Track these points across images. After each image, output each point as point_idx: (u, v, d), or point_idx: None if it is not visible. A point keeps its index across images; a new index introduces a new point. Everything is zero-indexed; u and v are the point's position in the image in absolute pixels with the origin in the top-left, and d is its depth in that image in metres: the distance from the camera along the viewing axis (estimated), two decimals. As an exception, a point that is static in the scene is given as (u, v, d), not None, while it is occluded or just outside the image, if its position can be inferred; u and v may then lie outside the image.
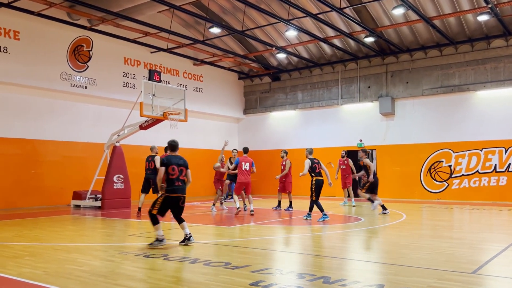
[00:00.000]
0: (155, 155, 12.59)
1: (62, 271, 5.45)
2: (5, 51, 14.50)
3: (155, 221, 7.20)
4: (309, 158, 11.08)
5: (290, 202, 14.09)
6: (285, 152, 14.46)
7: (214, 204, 13.76)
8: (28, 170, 15.28)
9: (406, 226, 10.03)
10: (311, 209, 10.95)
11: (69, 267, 5.68)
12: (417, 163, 18.67)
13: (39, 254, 6.55)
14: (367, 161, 12.41)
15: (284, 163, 14.35)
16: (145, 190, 12.59)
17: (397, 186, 19.04)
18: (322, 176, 11.01)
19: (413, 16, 15.81)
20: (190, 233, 7.31)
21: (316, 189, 10.88)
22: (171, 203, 7.27)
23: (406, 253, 6.63)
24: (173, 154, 7.48)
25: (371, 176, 12.10)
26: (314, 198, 10.87)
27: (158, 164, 11.88)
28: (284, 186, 14.35)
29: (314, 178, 10.91)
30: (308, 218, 10.95)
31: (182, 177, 7.33)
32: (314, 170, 10.92)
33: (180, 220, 7.38)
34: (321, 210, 10.89)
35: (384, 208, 12.07)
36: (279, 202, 14.61)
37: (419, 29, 17.77)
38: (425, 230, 9.89)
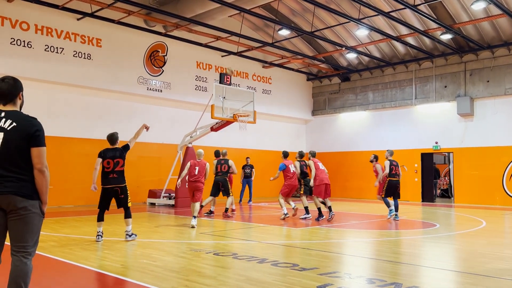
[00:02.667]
0: (228, 159, 12.39)
1: (138, 265, 5.76)
2: (88, 57, 15.57)
3: (98, 218, 7.75)
4: (389, 160, 11.77)
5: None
6: (375, 156, 13.30)
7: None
8: (109, 169, 16.23)
9: (486, 233, 9.41)
10: (388, 205, 11.79)
11: (144, 261, 5.98)
12: (499, 167, 17.44)
13: (117, 249, 6.96)
14: (378, 166, 12.22)
15: (375, 168, 13.19)
16: (215, 193, 12.20)
17: (476, 191, 17.93)
18: (396, 178, 11.62)
19: (495, 10, 14.83)
20: (130, 232, 7.77)
21: (389, 189, 11.57)
22: (108, 195, 7.73)
23: (485, 262, 6.23)
24: (110, 147, 7.81)
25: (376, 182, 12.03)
26: (383, 195, 11.71)
27: (235, 168, 12.16)
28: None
29: (388, 179, 11.60)
30: (391, 215, 11.68)
31: (119, 168, 7.65)
32: (391, 171, 11.58)
33: (126, 215, 7.79)
34: (388, 205, 11.75)
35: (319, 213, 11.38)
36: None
37: (501, 24, 16.62)
38: (507, 238, 9.23)
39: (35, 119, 3.46)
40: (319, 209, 11.37)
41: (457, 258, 6.97)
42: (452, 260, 6.86)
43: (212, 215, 12.49)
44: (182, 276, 5.17)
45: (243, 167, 16.74)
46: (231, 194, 12.17)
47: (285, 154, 12.32)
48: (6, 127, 3.35)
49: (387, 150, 12.09)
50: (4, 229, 3.43)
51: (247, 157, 17.08)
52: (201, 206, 12.07)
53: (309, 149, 23.77)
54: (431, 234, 9.14)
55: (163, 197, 15.71)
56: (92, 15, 14.78)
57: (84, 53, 15.48)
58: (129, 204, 7.82)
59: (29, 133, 3.35)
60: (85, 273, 5.29)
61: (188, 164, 10.65)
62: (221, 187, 12.09)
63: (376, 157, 12.34)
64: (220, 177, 12.12)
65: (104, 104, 16.25)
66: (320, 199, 11.40)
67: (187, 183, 11.03)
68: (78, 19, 15.22)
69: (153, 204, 15.86)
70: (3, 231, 3.42)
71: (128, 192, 7.80)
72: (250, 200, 16.96)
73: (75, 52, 15.24)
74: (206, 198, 12.37)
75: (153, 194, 16.12)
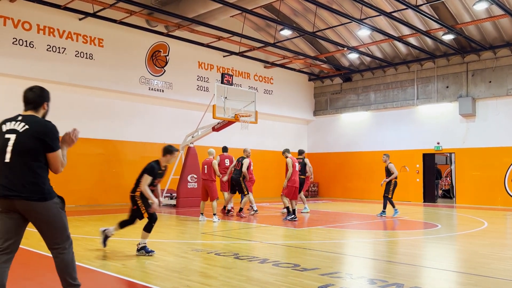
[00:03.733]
0: (245, 158, 12.44)
1: (139, 265, 5.76)
2: (90, 57, 15.58)
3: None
4: (391, 163, 12.54)
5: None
6: (388, 156, 12.88)
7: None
8: (110, 169, 16.28)
9: (488, 234, 9.40)
10: (393, 204, 12.39)
11: (146, 261, 5.99)
12: (501, 167, 17.41)
13: (119, 249, 6.97)
14: (392, 166, 12.53)
15: (388, 167, 12.68)
16: (232, 190, 12.48)
17: (478, 191, 17.90)
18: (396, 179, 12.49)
19: (497, 11, 14.80)
20: (141, 245, 6.54)
21: (394, 189, 12.37)
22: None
23: (487, 263, 6.22)
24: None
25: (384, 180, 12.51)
26: (390, 196, 12.29)
27: (245, 167, 12.15)
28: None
29: (395, 180, 12.35)
30: (397, 214, 12.32)
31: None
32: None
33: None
34: (393, 205, 12.34)
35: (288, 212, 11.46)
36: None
37: (504, 25, 16.59)
38: (508, 239, 9.22)
39: (49, 122, 3.53)
40: (287, 208, 11.39)
41: (459, 259, 6.96)
42: (453, 261, 6.85)
43: (230, 213, 12.56)
44: (184, 276, 5.18)
45: None
46: (245, 193, 12.19)
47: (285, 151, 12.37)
48: (19, 130, 3.44)
49: (385, 155, 12.72)
50: (19, 229, 3.52)
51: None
52: (240, 209, 12.21)
53: (310, 149, 23.79)
54: (433, 235, 9.12)
55: (164, 197, 15.73)
56: (94, 15, 14.79)
57: (86, 53, 15.50)
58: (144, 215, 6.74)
59: (41, 135, 3.42)
60: (86, 273, 5.29)
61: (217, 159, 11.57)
62: (235, 185, 12.33)
63: (388, 156, 12.69)
64: (235, 175, 12.34)
65: (106, 104, 16.26)
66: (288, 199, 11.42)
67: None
68: (80, 19, 15.23)
69: (154, 204, 15.85)
70: (17, 231, 3.51)
71: (139, 201, 6.74)
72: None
73: (77, 52, 15.26)
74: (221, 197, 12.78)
75: (154, 194, 16.11)
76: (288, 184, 11.35)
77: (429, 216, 13.36)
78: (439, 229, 10.07)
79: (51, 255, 3.65)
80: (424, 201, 19.17)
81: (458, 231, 9.92)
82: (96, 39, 15.76)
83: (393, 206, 12.37)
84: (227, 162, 12.93)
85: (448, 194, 21.99)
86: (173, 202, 15.33)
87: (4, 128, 3.49)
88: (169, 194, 15.80)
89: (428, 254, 7.35)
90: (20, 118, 3.52)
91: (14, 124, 3.47)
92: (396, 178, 12.37)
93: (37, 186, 3.41)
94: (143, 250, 6.45)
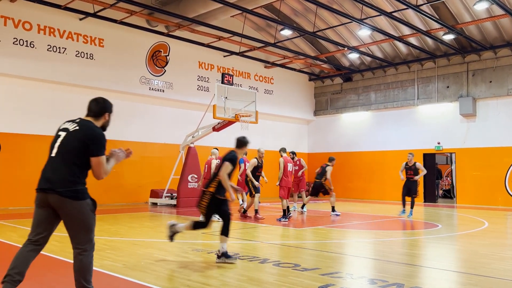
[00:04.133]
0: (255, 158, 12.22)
1: (140, 265, 5.76)
2: (91, 57, 15.58)
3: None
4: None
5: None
6: (412, 154, 12.85)
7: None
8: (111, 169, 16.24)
9: (488, 234, 9.39)
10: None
11: (146, 261, 5.99)
12: (502, 167, 17.40)
13: (119, 248, 6.97)
14: (419, 164, 12.77)
15: (416, 166, 12.68)
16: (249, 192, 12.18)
17: (478, 191, 17.89)
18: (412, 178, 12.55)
19: (498, 10, 14.79)
20: (221, 251, 6.06)
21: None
22: None
23: (487, 263, 6.22)
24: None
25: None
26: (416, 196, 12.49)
27: (249, 167, 11.91)
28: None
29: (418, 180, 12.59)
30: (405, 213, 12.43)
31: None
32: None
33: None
34: (404, 205, 12.47)
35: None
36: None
37: (504, 25, 16.58)
38: (509, 239, 9.21)
39: (99, 129, 3.77)
40: (284, 210, 11.31)
41: (459, 259, 6.95)
42: (454, 261, 6.85)
43: (245, 214, 12.21)
44: (184, 276, 5.18)
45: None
46: (253, 193, 11.75)
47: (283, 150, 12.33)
48: (70, 129, 3.71)
49: (411, 154, 12.84)
50: (50, 225, 3.69)
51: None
52: (256, 211, 11.72)
53: (311, 149, 23.80)
54: (433, 235, 9.12)
55: (165, 197, 15.73)
56: (94, 15, 14.79)
57: (87, 53, 15.50)
58: (200, 217, 6.54)
59: (87, 138, 3.62)
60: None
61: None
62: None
63: (413, 155, 12.84)
64: (247, 177, 11.92)
65: (107, 104, 16.23)
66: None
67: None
68: (80, 19, 15.24)
69: (155, 204, 15.88)
70: (48, 226, 3.68)
71: (205, 200, 6.19)
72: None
73: (77, 52, 15.26)
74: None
75: (155, 194, 16.14)
76: (281, 184, 11.39)
77: (430, 216, 13.35)
78: (439, 229, 10.07)
79: (51, 255, 3.67)
80: (425, 201, 19.16)
81: (459, 231, 9.91)
82: (97, 39, 15.76)
83: (404, 206, 12.54)
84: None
85: (449, 194, 21.98)
86: (174, 202, 15.33)
87: (61, 126, 3.82)
88: (169, 194, 15.80)
89: (428, 254, 7.34)
90: (77, 120, 3.80)
91: (70, 124, 3.77)
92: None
93: (72, 184, 3.59)
94: (224, 257, 5.88)
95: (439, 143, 19.14)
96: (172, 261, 6.03)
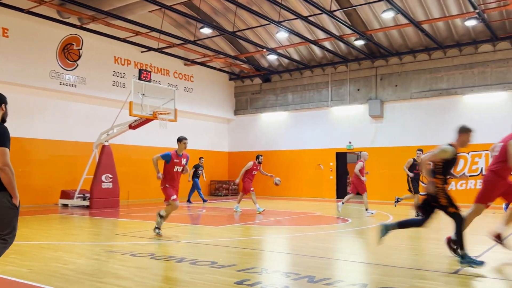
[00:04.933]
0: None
1: (47, 269, 5.44)
2: (-7, 48, 14.38)
3: None
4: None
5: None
6: (421, 150, 13.21)
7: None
8: (16, 168, 15.00)
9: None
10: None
11: (55, 265, 5.67)
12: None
13: (25, 252, 6.52)
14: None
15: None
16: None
17: (386, 187, 19.16)
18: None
19: (403, 20, 15.96)
20: None
21: None
22: None
23: (392, 253, 6.72)
24: None
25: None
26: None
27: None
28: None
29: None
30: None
31: None
32: None
33: None
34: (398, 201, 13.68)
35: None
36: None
37: (408, 33, 17.95)
38: (412, 232, 9.98)
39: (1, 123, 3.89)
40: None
41: (367, 251, 7.42)
42: (362, 253, 7.30)
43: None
44: (96, 278, 4.98)
45: (196, 167, 17.64)
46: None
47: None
48: None
49: (420, 150, 13.17)
50: None
51: (201, 157, 18.16)
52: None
53: (231, 148, 23.96)
54: (344, 229, 9.63)
55: (77, 198, 14.95)
56: (-3, 2, 13.67)
57: (-12, 43, 14.28)
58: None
59: None
60: (-14, 280, 4.90)
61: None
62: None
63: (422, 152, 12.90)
64: None
65: (13, 99, 14.88)
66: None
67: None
68: (-19, 6, 14.01)
69: (66, 205, 15.05)
70: None
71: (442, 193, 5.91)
72: (189, 200, 17.41)
73: (-23, 42, 14.01)
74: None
75: (65, 194, 15.27)
76: None
77: (341, 211, 14.04)
78: (349, 223, 10.66)
79: None
80: (337, 198, 20.14)
81: (367, 225, 10.56)
82: (0, 28, 14.58)
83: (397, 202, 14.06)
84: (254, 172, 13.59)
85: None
86: (86, 203, 14.62)
87: None
88: (81, 195, 15.04)
89: (338, 247, 7.75)
90: None
91: None
92: None
93: None
94: (470, 261, 5.39)
95: (350, 143, 20.25)
96: (83, 264, 5.77)
